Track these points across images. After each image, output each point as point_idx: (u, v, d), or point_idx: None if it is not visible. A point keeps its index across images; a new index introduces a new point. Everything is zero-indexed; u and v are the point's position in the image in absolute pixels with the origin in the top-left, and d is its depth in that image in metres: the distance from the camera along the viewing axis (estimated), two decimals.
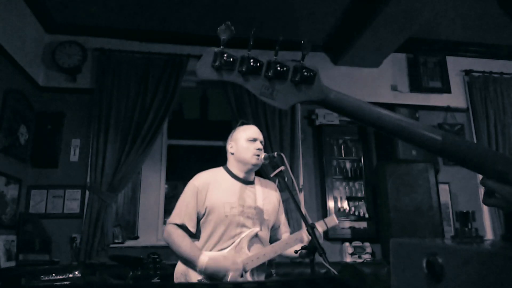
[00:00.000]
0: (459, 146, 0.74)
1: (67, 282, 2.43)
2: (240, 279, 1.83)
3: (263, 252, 1.89)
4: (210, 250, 1.89)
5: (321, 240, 1.66)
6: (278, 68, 0.72)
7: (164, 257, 2.69)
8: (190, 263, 1.86)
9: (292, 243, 1.89)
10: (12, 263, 3.06)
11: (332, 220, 1.95)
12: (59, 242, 3.35)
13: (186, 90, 4.02)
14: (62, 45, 3.71)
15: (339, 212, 3.85)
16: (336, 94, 0.76)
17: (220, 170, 2.05)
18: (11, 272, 2.89)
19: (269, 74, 0.72)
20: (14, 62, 3.25)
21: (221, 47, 0.72)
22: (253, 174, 2.08)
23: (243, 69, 0.71)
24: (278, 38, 0.76)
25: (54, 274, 2.44)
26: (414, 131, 0.75)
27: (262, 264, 1.91)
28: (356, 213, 3.88)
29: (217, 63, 0.71)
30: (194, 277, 1.85)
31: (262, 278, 1.95)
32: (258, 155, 1.96)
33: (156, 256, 2.57)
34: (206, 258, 1.83)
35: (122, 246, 3.47)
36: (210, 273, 1.82)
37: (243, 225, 1.92)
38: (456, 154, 0.74)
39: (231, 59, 0.71)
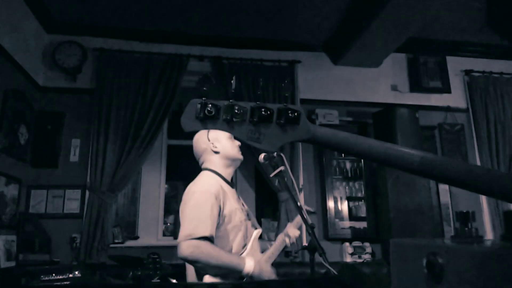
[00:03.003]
0: (440, 165, 0.74)
1: (67, 282, 2.43)
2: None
3: (272, 251, 1.93)
4: None
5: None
6: (263, 113, 0.73)
7: (164, 257, 2.69)
8: (233, 271, 1.75)
9: (288, 238, 1.98)
10: (12, 263, 3.06)
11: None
12: (59, 242, 3.35)
13: (186, 90, 4.01)
14: (62, 45, 3.71)
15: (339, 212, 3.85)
16: (323, 131, 0.76)
17: (213, 175, 1.93)
18: (11, 272, 2.89)
19: (254, 119, 0.73)
20: (14, 62, 3.25)
21: (203, 98, 0.72)
22: None
23: (228, 117, 0.72)
24: (258, 91, 0.77)
25: (54, 274, 2.44)
26: (406, 158, 0.75)
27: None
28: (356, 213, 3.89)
29: (201, 115, 0.72)
30: (207, 277, 1.80)
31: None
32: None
33: (156, 256, 2.56)
34: (252, 262, 1.76)
35: (122, 246, 3.47)
36: (258, 275, 1.78)
37: (250, 228, 1.95)
38: (463, 180, 0.73)
39: (215, 109, 0.72)
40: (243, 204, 2.03)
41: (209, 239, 1.71)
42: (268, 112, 0.73)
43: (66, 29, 3.81)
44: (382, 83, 4.27)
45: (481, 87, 4.26)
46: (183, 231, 1.71)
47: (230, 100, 0.72)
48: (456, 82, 4.35)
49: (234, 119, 0.72)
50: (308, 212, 1.95)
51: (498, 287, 0.51)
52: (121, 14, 3.68)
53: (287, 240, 1.99)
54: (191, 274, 1.85)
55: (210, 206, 1.74)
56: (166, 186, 4.09)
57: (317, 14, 3.68)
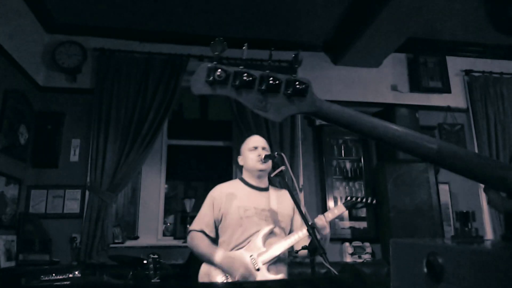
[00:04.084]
0: (455, 155, 0.74)
1: (67, 282, 2.43)
2: (257, 273, 1.93)
3: (276, 246, 2.00)
4: (231, 250, 2.03)
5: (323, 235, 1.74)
6: (271, 82, 0.73)
7: (164, 257, 2.69)
8: (210, 262, 2.01)
9: (301, 235, 2.01)
10: (12, 263, 3.07)
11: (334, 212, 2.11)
12: (59, 242, 3.35)
13: (186, 90, 4.02)
14: (62, 45, 3.71)
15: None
16: (329, 105, 0.76)
17: (236, 181, 2.26)
18: (11, 272, 2.89)
19: (262, 87, 0.73)
20: (14, 62, 3.25)
21: (214, 62, 0.72)
22: (267, 182, 2.23)
23: (236, 84, 0.72)
24: (270, 54, 0.77)
25: (54, 274, 2.44)
26: (409, 140, 0.75)
27: (280, 262, 2.03)
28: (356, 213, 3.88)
29: (210, 78, 0.72)
30: (217, 276, 1.98)
31: (281, 275, 2.02)
32: (262, 160, 2.10)
33: (156, 256, 2.57)
34: (220, 255, 1.99)
35: (122, 246, 3.47)
36: (225, 270, 1.97)
37: (258, 225, 2.04)
38: (453, 163, 0.74)
39: (225, 74, 0.72)
40: (269, 205, 2.12)
41: (204, 232, 2.10)
42: (277, 82, 0.72)
43: (66, 29, 3.81)
44: (382, 83, 4.27)
45: (481, 87, 4.25)
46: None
47: (240, 67, 0.72)
48: (456, 82, 4.35)
49: (243, 86, 0.72)
50: (371, 203, 2.15)
51: (498, 287, 0.51)
52: (121, 14, 3.68)
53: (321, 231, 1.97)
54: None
55: (206, 206, 2.15)
56: (166, 186, 4.10)
57: (317, 14, 3.69)
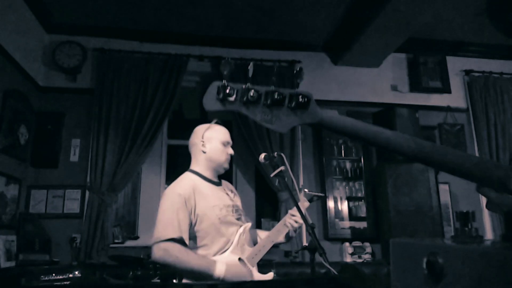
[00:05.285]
0: (459, 158, 0.75)
1: (67, 282, 2.43)
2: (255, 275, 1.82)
3: (262, 244, 1.85)
4: (214, 255, 1.81)
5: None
6: (276, 97, 0.80)
7: None
8: (205, 277, 1.71)
9: (282, 230, 1.91)
10: (12, 263, 3.06)
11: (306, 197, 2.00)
12: (59, 242, 3.35)
13: (186, 90, 4.02)
14: (62, 45, 3.71)
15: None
16: (330, 115, 0.84)
17: (192, 176, 1.94)
18: (11, 272, 2.89)
19: (268, 102, 0.80)
20: (14, 62, 3.25)
21: (224, 81, 0.80)
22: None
23: (244, 99, 0.80)
24: (275, 69, 0.83)
25: (54, 274, 2.44)
26: (411, 146, 0.78)
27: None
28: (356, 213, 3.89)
29: (221, 96, 0.80)
30: None
31: (270, 273, 1.91)
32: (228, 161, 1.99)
33: None
34: (223, 266, 1.73)
35: (122, 246, 3.47)
36: (230, 278, 1.74)
37: (234, 224, 1.89)
38: (458, 166, 0.76)
39: (233, 91, 0.80)
40: (231, 200, 2.00)
41: (179, 240, 1.72)
42: (281, 97, 0.80)
43: (66, 29, 3.81)
44: (382, 83, 4.27)
45: (481, 87, 4.25)
46: (154, 234, 1.75)
47: (248, 84, 0.79)
48: (456, 82, 4.35)
49: (250, 101, 0.80)
50: (318, 197, 2.02)
51: (498, 287, 0.51)
52: (121, 14, 3.68)
53: (288, 225, 1.90)
54: None
55: (178, 208, 1.76)
56: (166, 186, 4.09)
57: (317, 14, 3.68)
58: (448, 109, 4.26)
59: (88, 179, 3.50)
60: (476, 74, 4.32)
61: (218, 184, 2.01)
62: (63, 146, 3.62)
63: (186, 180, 1.90)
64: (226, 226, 1.85)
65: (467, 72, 4.35)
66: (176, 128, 4.27)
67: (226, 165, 1.98)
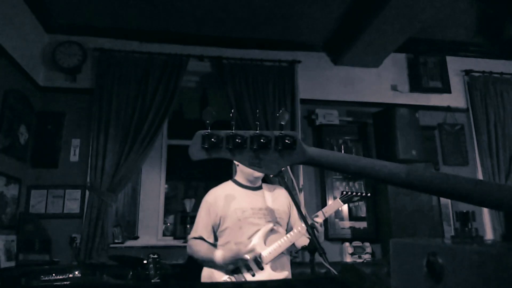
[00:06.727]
0: (460, 185, 0.75)
1: (67, 282, 2.43)
2: (260, 272, 1.95)
3: (278, 243, 2.02)
4: None
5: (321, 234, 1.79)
6: (261, 140, 0.79)
7: (164, 257, 2.69)
8: (212, 264, 2.03)
9: (303, 231, 2.02)
10: (12, 263, 3.06)
11: (332, 207, 2.19)
12: (59, 242, 3.34)
13: (186, 90, 4.02)
14: (62, 45, 3.71)
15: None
16: (318, 153, 0.81)
17: (229, 183, 2.25)
18: (11, 272, 2.89)
19: (254, 146, 0.79)
20: (14, 62, 3.25)
21: (207, 130, 0.80)
22: (260, 181, 2.24)
23: (230, 146, 0.79)
24: (257, 125, 0.83)
25: (54, 274, 2.44)
26: (401, 177, 0.77)
27: (283, 258, 2.08)
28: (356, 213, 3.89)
29: (206, 145, 0.79)
30: (220, 278, 1.99)
31: (286, 272, 2.07)
32: None
33: (156, 256, 2.57)
34: (220, 251, 2.03)
35: (122, 246, 3.47)
36: (229, 262, 1.97)
37: (257, 225, 2.05)
38: (460, 195, 0.75)
39: (218, 139, 0.80)
40: (265, 203, 2.16)
41: (202, 238, 2.11)
42: (266, 140, 0.79)
43: (66, 29, 3.81)
44: (382, 83, 4.27)
45: (481, 87, 4.26)
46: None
47: (232, 131, 0.79)
48: (456, 82, 4.35)
49: (236, 148, 0.79)
50: (365, 196, 2.35)
51: (498, 287, 0.51)
52: (121, 14, 3.68)
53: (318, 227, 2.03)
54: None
55: (203, 213, 2.16)
56: (166, 186, 4.10)
57: (317, 14, 3.68)
58: (448, 109, 4.26)
59: (88, 179, 3.50)
60: (476, 74, 4.33)
61: (255, 188, 2.21)
62: (63, 146, 3.62)
63: (220, 187, 2.25)
64: (247, 227, 2.06)
65: (467, 72, 4.36)
66: (176, 128, 4.28)
67: (256, 174, 2.16)
